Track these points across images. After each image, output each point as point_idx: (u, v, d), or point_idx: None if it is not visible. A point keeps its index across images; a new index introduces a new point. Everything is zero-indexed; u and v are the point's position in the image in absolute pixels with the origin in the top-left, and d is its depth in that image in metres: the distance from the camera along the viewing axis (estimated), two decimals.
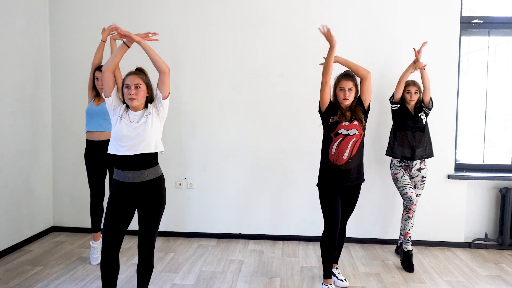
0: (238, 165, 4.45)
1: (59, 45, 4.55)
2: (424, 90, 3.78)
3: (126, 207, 2.63)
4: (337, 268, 3.44)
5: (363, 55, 4.18)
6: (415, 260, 3.88)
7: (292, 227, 4.45)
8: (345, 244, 4.16)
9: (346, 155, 3.06)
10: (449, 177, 4.24)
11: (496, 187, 4.30)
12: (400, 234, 3.98)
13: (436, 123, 4.16)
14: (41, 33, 4.45)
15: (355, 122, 3.06)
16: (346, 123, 3.05)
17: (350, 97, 3.06)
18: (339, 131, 3.05)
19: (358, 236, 4.33)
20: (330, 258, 3.10)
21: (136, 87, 2.61)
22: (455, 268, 3.76)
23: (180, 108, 4.40)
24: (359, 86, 3.13)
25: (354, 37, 4.27)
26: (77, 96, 4.54)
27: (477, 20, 4.29)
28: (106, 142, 3.64)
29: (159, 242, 4.33)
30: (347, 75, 3.09)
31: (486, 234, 4.28)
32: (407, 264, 3.71)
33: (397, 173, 3.85)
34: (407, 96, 3.82)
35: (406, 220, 3.81)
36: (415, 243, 4.25)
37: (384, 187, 4.32)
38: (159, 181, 2.68)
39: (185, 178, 4.49)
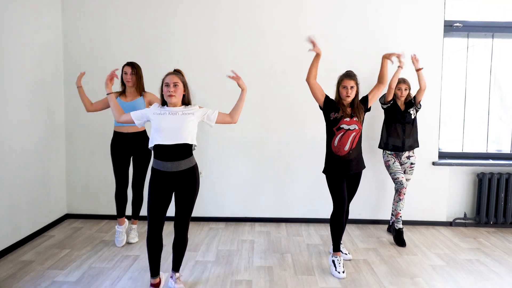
0: (244, 155, 4.84)
1: (71, 41, 4.79)
2: (419, 90, 4.23)
3: (165, 193, 2.98)
4: (341, 244, 3.88)
5: (354, 55, 4.65)
6: (405, 237, 4.38)
7: (293, 211, 4.88)
8: None
9: (347, 147, 3.49)
10: (433, 164, 4.77)
11: (474, 172, 4.85)
12: (392, 214, 4.46)
13: (422, 116, 4.65)
14: (54, 30, 4.66)
15: (355, 118, 3.48)
16: (348, 119, 3.47)
17: (352, 94, 3.47)
18: (341, 126, 3.48)
19: (354, 218, 4.78)
20: (339, 234, 3.54)
21: (175, 85, 2.96)
22: (441, 243, 4.28)
23: None
24: (359, 85, 3.55)
25: (346, 41, 4.72)
26: (89, 91, 4.75)
27: (458, 24, 4.80)
28: (134, 134, 3.94)
29: (172, 226, 4.67)
30: (349, 75, 3.50)
31: (465, 214, 4.83)
32: (399, 240, 4.20)
33: (389, 160, 4.33)
34: (398, 93, 4.28)
35: (397, 202, 4.29)
36: (404, 222, 4.76)
37: (375, 174, 4.80)
38: (193, 170, 3.03)
39: None
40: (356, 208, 4.77)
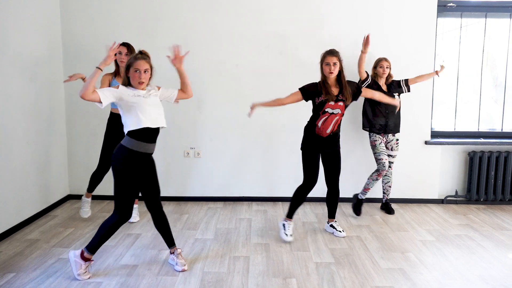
0: (242, 135, 4.94)
1: (69, 20, 4.81)
2: (417, 78, 4.50)
3: (141, 174, 3.09)
4: (335, 221, 4.03)
5: (348, 34, 4.72)
6: (397, 215, 4.54)
7: (290, 190, 4.98)
8: None
9: (329, 130, 3.66)
10: (426, 143, 4.88)
11: (465, 151, 4.98)
12: (364, 187, 4.49)
13: (415, 96, 4.74)
14: (52, 8, 4.68)
15: (340, 103, 3.61)
16: (332, 103, 3.60)
17: (335, 71, 3.58)
18: (326, 110, 3.61)
19: (347, 196, 4.90)
20: (297, 206, 3.83)
21: (145, 71, 3.02)
22: (431, 220, 4.44)
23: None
24: (342, 61, 3.64)
25: (342, 21, 4.77)
26: (89, 71, 4.83)
27: (451, 4, 4.86)
28: None
29: (171, 206, 4.82)
30: (331, 52, 3.62)
31: (456, 192, 4.98)
32: (357, 209, 4.49)
33: (376, 140, 4.43)
34: (380, 70, 4.34)
35: (373, 180, 4.42)
36: (397, 200, 4.92)
37: (367, 154, 4.87)
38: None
39: (192, 148, 4.95)
40: (350, 187, 4.90)
